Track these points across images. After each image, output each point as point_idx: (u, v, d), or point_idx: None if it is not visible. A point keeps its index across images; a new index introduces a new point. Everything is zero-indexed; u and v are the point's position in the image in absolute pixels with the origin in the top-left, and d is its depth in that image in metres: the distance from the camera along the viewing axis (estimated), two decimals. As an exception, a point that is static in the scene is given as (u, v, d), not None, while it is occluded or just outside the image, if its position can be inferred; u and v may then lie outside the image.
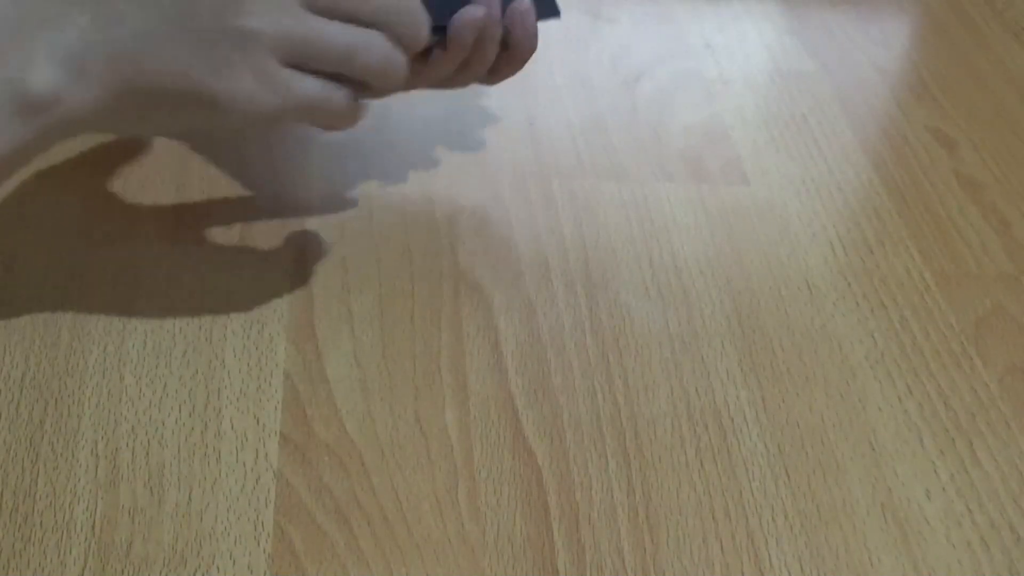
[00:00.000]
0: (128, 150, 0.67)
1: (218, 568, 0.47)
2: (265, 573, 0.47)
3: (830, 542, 0.51)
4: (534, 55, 0.61)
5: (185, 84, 0.48)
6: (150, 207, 0.64)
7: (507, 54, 0.60)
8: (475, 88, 0.75)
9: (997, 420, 0.57)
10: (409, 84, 0.60)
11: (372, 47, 0.52)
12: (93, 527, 0.48)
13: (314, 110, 0.51)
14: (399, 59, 0.53)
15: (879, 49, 0.83)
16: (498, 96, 0.74)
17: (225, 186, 0.66)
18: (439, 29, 0.57)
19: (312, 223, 0.64)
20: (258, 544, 0.48)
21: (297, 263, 0.61)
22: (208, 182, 0.66)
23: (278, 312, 0.58)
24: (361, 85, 0.52)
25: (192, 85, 0.48)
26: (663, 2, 0.86)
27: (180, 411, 0.53)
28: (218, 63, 0.48)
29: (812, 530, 0.51)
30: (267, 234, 0.63)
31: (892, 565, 0.50)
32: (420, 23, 0.54)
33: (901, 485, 0.54)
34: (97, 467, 0.51)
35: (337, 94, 0.51)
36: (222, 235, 0.62)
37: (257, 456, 0.52)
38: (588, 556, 0.49)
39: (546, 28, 0.62)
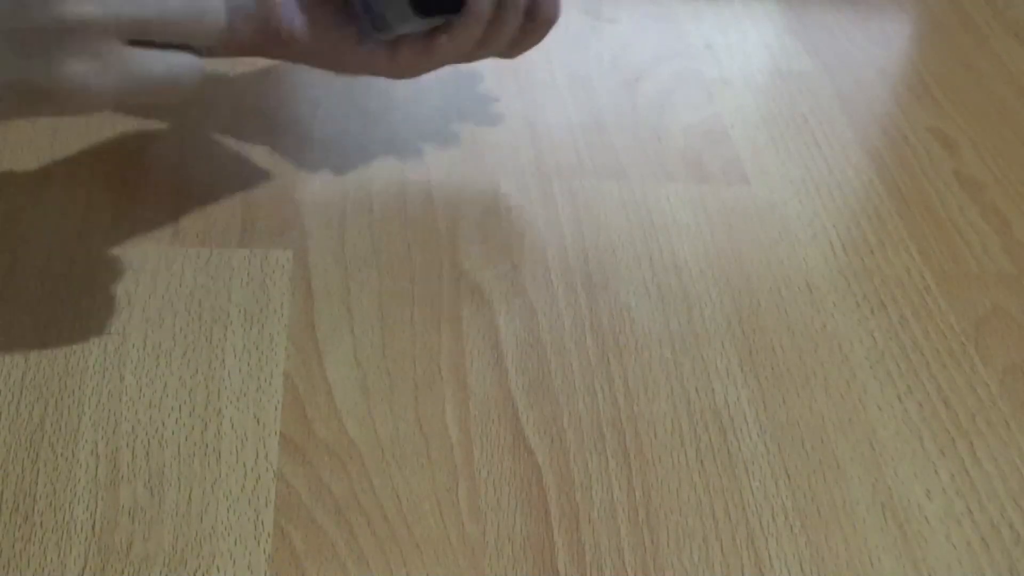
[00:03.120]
0: (128, 150, 0.67)
1: (218, 568, 0.47)
2: (265, 573, 0.47)
3: (830, 542, 0.51)
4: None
5: (25, 82, 0.47)
6: (150, 207, 0.64)
7: (531, 25, 0.60)
8: (475, 87, 0.75)
9: (997, 420, 0.57)
10: (429, 62, 0.60)
11: (208, 9, 0.49)
12: (93, 527, 0.48)
13: (161, 86, 0.48)
14: (225, 16, 0.50)
15: (879, 49, 0.83)
16: (498, 96, 0.74)
17: (225, 186, 0.66)
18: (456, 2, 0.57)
19: (312, 223, 0.64)
20: (258, 544, 0.48)
21: (297, 263, 0.61)
22: (208, 182, 0.66)
23: (278, 312, 0.58)
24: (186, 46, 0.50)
25: (32, 83, 0.47)
26: (663, 2, 0.86)
27: (180, 411, 0.53)
28: (54, 55, 0.46)
29: (812, 530, 0.51)
30: (267, 234, 0.63)
31: (892, 565, 0.50)
32: None
33: (901, 485, 0.54)
34: (97, 467, 0.51)
35: (182, 64, 0.49)
36: (222, 235, 0.62)
37: (257, 456, 0.52)
38: (588, 556, 0.49)
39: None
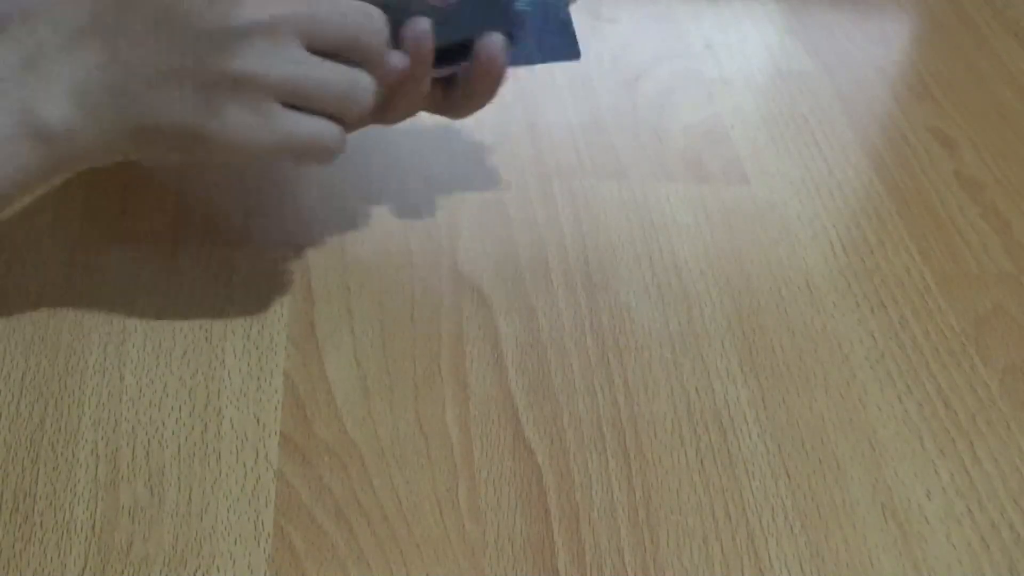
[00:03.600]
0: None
1: (218, 568, 0.47)
2: (265, 573, 0.47)
3: (830, 542, 0.51)
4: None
5: (183, 125, 0.50)
6: (150, 207, 0.64)
7: (464, 93, 0.59)
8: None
9: (997, 420, 0.57)
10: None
11: (360, 88, 0.52)
12: (93, 527, 0.48)
13: (307, 149, 0.52)
14: (375, 95, 0.53)
15: (879, 49, 0.83)
16: (498, 96, 0.74)
17: (225, 186, 0.66)
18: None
19: (312, 223, 0.64)
20: (258, 544, 0.48)
21: (297, 263, 0.61)
22: (208, 182, 0.66)
23: (278, 312, 0.58)
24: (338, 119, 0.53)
25: (190, 126, 0.50)
26: (663, 2, 0.86)
27: (180, 411, 0.53)
28: (216, 104, 0.49)
29: (812, 530, 0.51)
30: (267, 234, 0.63)
31: (892, 565, 0.50)
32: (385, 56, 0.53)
33: (901, 485, 0.54)
34: (97, 467, 0.51)
35: (329, 132, 0.52)
36: (222, 235, 0.62)
37: (257, 456, 0.52)
38: (588, 556, 0.49)
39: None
